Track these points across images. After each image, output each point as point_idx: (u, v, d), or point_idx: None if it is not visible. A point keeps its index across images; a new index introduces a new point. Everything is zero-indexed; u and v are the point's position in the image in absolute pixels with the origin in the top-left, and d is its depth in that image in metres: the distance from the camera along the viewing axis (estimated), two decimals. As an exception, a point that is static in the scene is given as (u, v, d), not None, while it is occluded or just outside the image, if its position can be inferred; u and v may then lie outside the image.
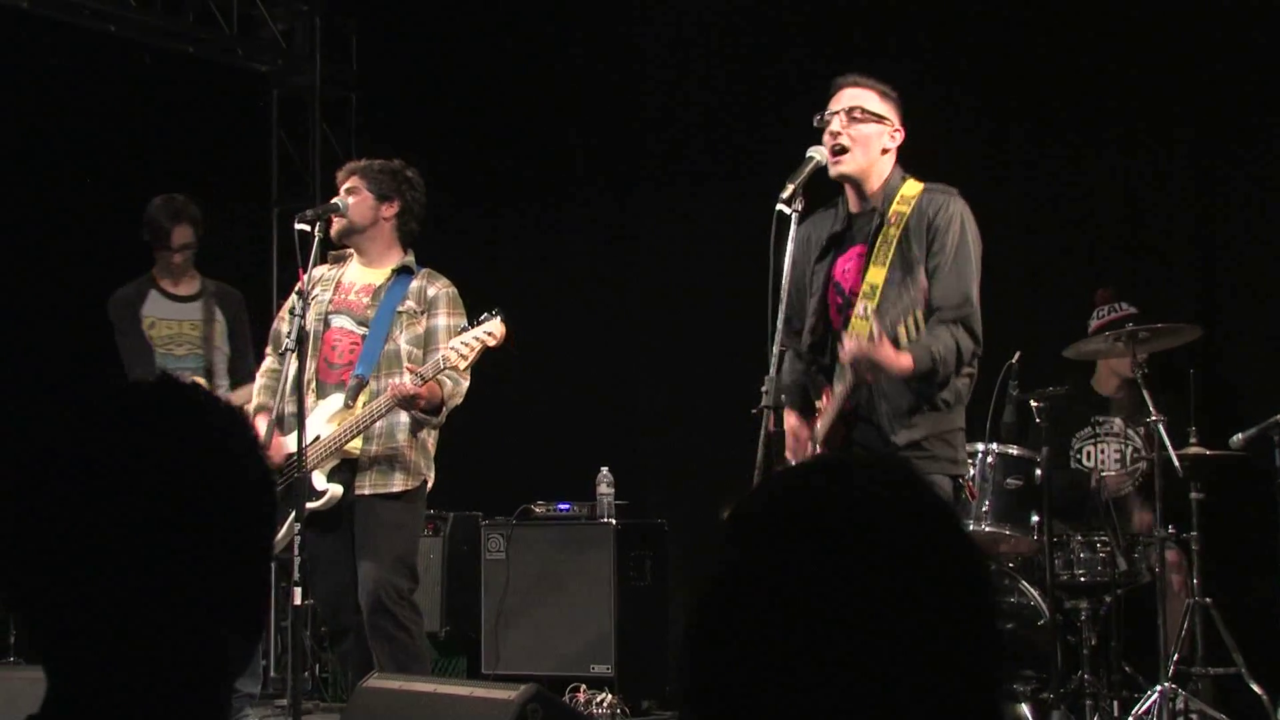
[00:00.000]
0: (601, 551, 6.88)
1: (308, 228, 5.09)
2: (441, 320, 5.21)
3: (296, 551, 5.02)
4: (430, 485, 5.29)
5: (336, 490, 5.11)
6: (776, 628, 1.30)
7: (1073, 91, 6.93)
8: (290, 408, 5.12)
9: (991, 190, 6.86)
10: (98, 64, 8.10)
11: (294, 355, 4.98)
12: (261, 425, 5.16)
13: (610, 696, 6.57)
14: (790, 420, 4.42)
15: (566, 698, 6.41)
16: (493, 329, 4.97)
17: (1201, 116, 6.72)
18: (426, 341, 5.18)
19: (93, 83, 8.08)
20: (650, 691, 6.82)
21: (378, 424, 5.09)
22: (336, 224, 5.26)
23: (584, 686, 6.62)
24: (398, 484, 5.11)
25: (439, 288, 5.27)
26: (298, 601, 5.12)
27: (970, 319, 4.22)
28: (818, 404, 4.35)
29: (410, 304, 5.22)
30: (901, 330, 3.86)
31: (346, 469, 5.13)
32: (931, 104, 6.78)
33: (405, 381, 4.97)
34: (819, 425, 4.29)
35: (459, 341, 4.97)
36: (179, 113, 8.40)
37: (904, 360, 4.04)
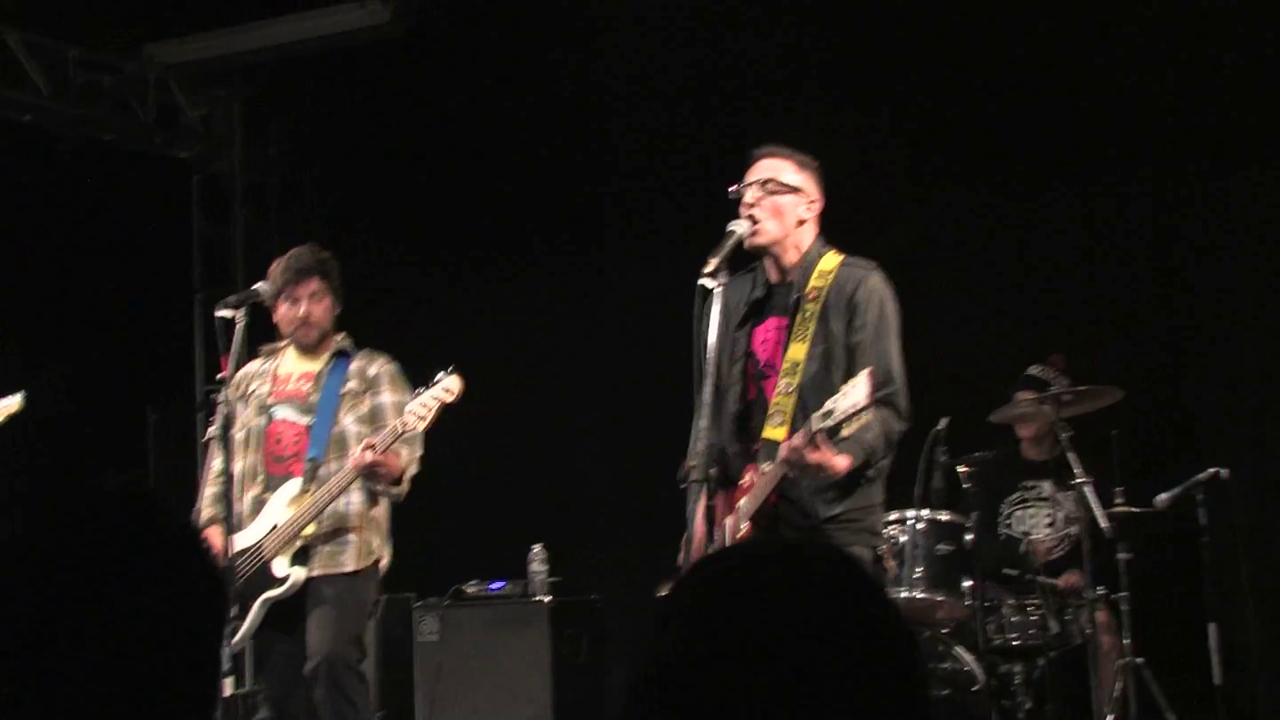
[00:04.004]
0: (537, 630, 6.83)
1: (229, 313, 5.01)
2: (386, 397, 5.24)
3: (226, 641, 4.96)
4: (385, 563, 5.30)
5: (299, 574, 5.08)
6: (710, 709, 1.31)
7: (1001, 149, 7.02)
8: (240, 506, 5.10)
9: (915, 253, 6.94)
10: (14, 155, 8.03)
11: (220, 444, 4.93)
12: (215, 537, 5.06)
13: (549, 777, 6.50)
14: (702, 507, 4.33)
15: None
16: (449, 385, 5.00)
17: (1125, 175, 6.84)
18: (373, 419, 5.21)
19: (9, 173, 8.01)
20: (590, 770, 6.76)
21: (343, 515, 5.11)
22: (306, 336, 5.26)
23: (523, 768, 6.55)
24: (349, 563, 5.12)
25: (379, 365, 5.31)
26: (227, 692, 5.04)
27: (895, 397, 4.27)
28: (742, 480, 4.35)
29: (352, 385, 5.25)
30: (846, 430, 3.94)
31: (303, 554, 5.11)
32: (873, 162, 6.89)
33: (364, 454, 4.96)
34: (744, 502, 4.29)
35: (416, 404, 4.98)
36: (98, 201, 8.34)
37: (842, 463, 4.10)
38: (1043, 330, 6.84)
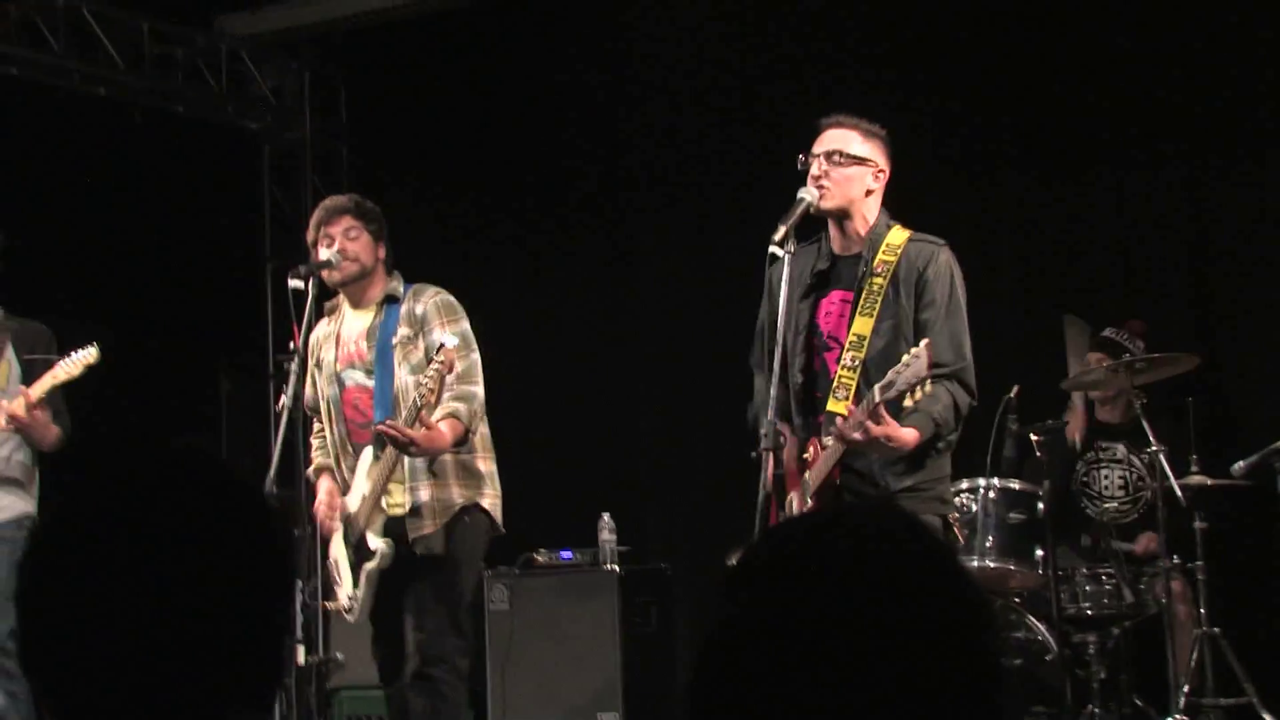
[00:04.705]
0: (606, 599, 6.84)
1: (300, 284, 4.99)
2: (436, 335, 4.93)
3: (298, 609, 4.98)
4: (489, 503, 5.06)
5: (385, 546, 4.95)
6: (780, 679, 1.31)
7: (1070, 123, 6.95)
8: (348, 474, 5.06)
9: (986, 223, 6.89)
10: (89, 127, 8.13)
11: (286, 415, 4.89)
12: (323, 486, 5.12)
13: (619, 745, 6.53)
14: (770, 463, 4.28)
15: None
16: (444, 353, 4.73)
17: (1195, 145, 6.75)
18: (430, 362, 4.86)
19: (85, 145, 8.11)
20: (659, 738, 6.78)
21: (412, 471, 4.94)
22: (342, 271, 5.05)
23: (592, 735, 6.58)
24: (427, 527, 4.94)
25: (426, 300, 5.06)
26: (301, 660, 5.09)
27: (965, 373, 4.24)
28: (805, 454, 4.32)
29: (404, 330, 5.02)
30: (909, 401, 3.90)
31: (396, 524, 4.98)
32: (929, 135, 6.83)
33: (387, 428, 4.75)
34: (808, 476, 4.27)
35: (425, 377, 4.71)
36: (171, 172, 8.42)
37: (909, 436, 4.07)
38: (1116, 299, 6.76)
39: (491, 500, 5.10)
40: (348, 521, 5.04)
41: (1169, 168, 6.84)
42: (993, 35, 7.07)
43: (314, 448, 5.28)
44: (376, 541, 4.97)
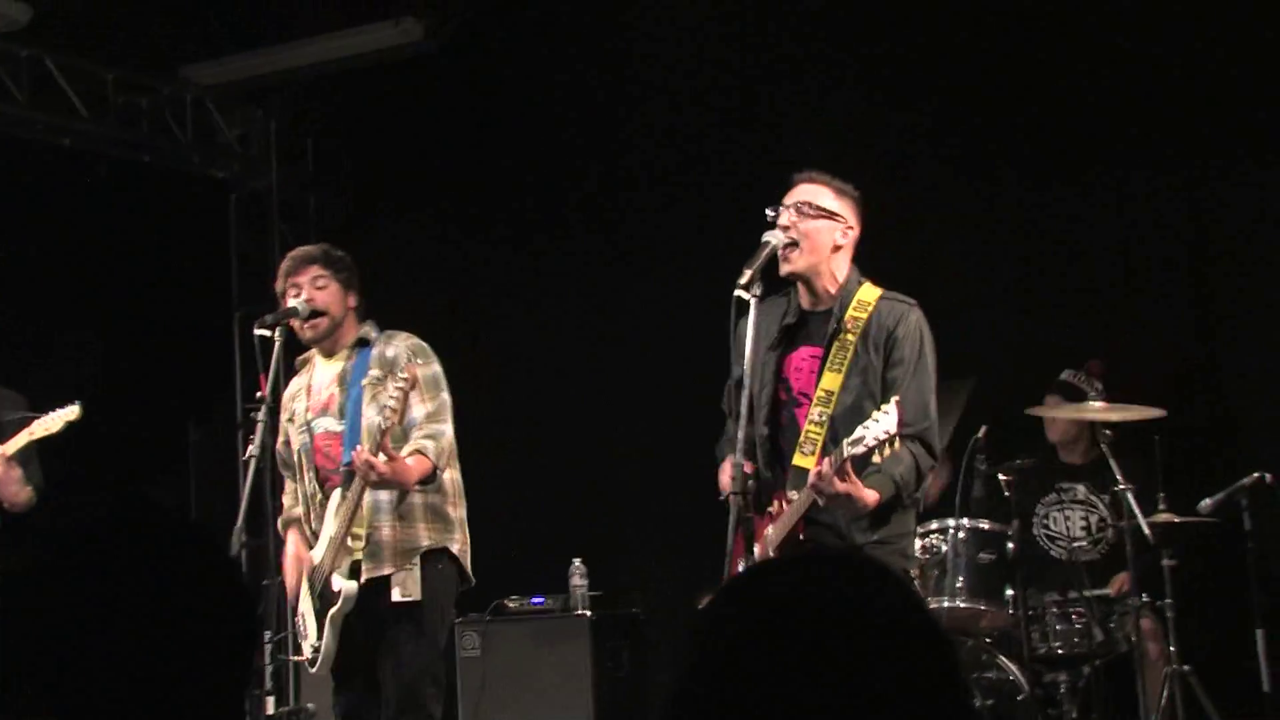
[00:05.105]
0: (578, 644, 6.82)
1: (268, 333, 4.96)
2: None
3: (266, 660, 4.95)
4: (458, 549, 5.01)
5: (351, 587, 4.89)
6: None
7: (1045, 155, 6.99)
8: (316, 525, 5.02)
9: (951, 258, 6.91)
10: (54, 178, 8.11)
11: (257, 464, 4.87)
12: (291, 539, 5.09)
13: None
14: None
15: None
16: (405, 375, 4.74)
17: (1195, 148, 6.76)
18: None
19: (50, 196, 8.09)
20: (633, 784, 6.75)
21: (375, 509, 4.88)
22: (311, 328, 5.02)
23: (566, 782, 6.55)
24: (386, 569, 4.88)
25: (398, 344, 5.04)
26: (270, 711, 5.05)
27: (928, 434, 4.27)
28: (770, 508, 4.33)
29: (374, 373, 4.98)
30: (876, 457, 3.94)
31: (356, 567, 4.93)
32: (907, 170, 6.87)
33: (357, 454, 4.73)
34: (771, 531, 4.28)
35: (387, 398, 4.72)
36: (137, 221, 8.41)
37: (870, 496, 4.10)
38: (1081, 335, 6.79)
39: (460, 547, 5.05)
40: (314, 570, 5.00)
41: (1168, 171, 6.85)
42: (992, 36, 7.06)
43: (285, 496, 5.23)
44: (340, 583, 4.91)
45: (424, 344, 5.10)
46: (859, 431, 3.96)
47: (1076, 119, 6.92)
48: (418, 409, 4.90)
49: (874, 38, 7.37)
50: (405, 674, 4.87)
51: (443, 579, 5.00)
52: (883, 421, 3.92)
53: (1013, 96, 7.03)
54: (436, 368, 5.03)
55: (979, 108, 7.11)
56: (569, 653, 6.83)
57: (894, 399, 3.99)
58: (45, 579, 1.43)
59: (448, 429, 4.96)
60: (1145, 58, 6.78)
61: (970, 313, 6.61)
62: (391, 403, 4.68)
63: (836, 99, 7.33)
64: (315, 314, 5.04)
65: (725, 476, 4.29)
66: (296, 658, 5.11)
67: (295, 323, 5.05)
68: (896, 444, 3.98)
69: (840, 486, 4.01)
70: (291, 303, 5.06)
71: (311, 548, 5.06)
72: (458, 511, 5.07)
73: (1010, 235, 7.14)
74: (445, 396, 5.02)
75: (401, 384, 4.71)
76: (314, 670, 5.02)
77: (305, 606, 5.05)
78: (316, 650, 4.95)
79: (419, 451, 4.86)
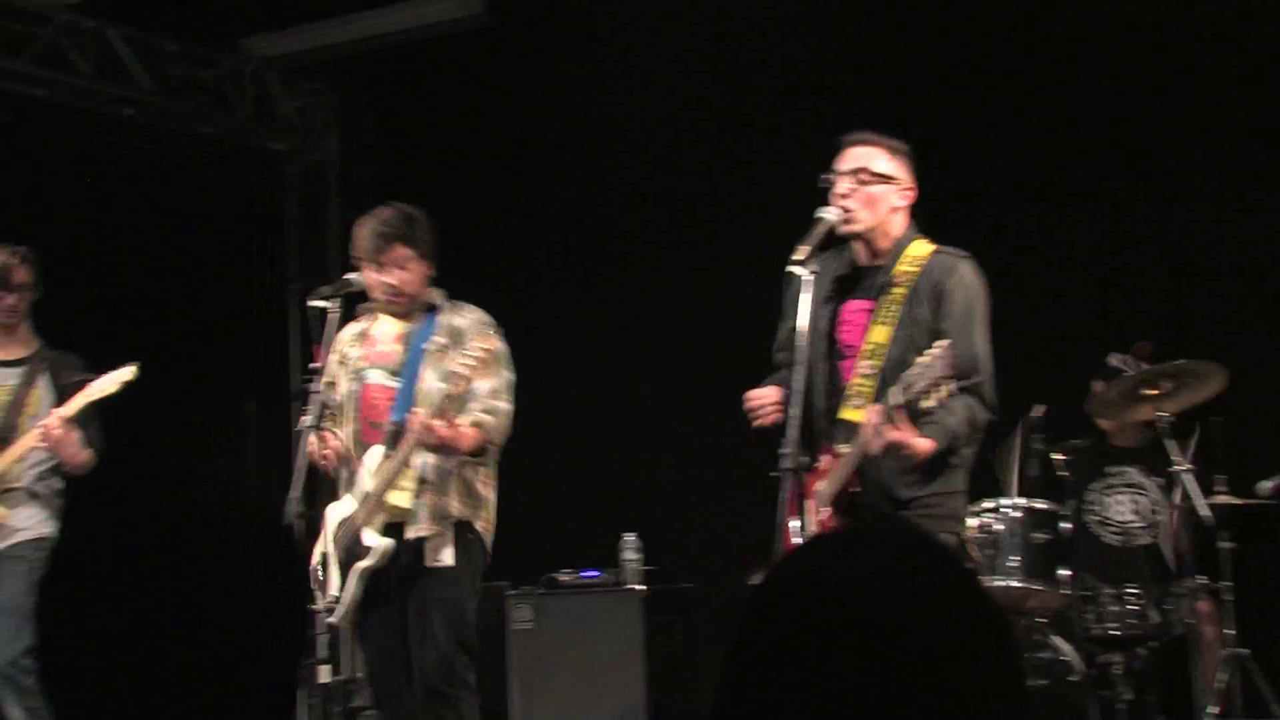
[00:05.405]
0: (630, 619, 6.84)
1: (324, 304, 4.99)
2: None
3: (320, 629, 4.96)
4: (486, 531, 5.04)
5: (386, 543, 4.90)
6: (804, 699, 1.31)
7: (1102, 139, 6.92)
8: (345, 473, 5.01)
9: (1010, 242, 6.86)
10: (116, 148, 8.18)
11: (308, 435, 4.89)
12: (323, 438, 4.95)
13: (643, 765, 6.51)
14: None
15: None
16: (485, 347, 4.76)
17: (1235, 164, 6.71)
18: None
19: (111, 167, 8.16)
20: (683, 758, 6.77)
21: (422, 474, 4.90)
22: (391, 303, 5.02)
23: (616, 756, 6.57)
24: (446, 556, 4.92)
25: (467, 316, 5.06)
26: (324, 679, 5.08)
27: (983, 386, 4.19)
28: (820, 463, 4.30)
29: (438, 339, 5.00)
30: (930, 401, 3.86)
31: (396, 525, 4.93)
32: (955, 148, 6.81)
33: (416, 416, 4.76)
34: (823, 485, 4.25)
35: (458, 365, 4.75)
36: (197, 193, 8.47)
37: (924, 445, 4.03)
38: (1140, 313, 6.73)
39: (484, 525, 5.07)
40: (343, 522, 4.99)
41: (1206, 191, 6.78)
42: (1002, 47, 7.05)
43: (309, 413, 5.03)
44: (374, 539, 4.93)
45: (491, 319, 5.11)
46: (906, 377, 3.91)
47: (1114, 135, 6.86)
48: (481, 383, 4.90)
49: (885, 56, 7.33)
50: (441, 641, 4.90)
51: (476, 552, 5.03)
52: (932, 365, 3.84)
53: (1046, 115, 6.98)
54: (503, 345, 5.04)
55: (1007, 122, 7.06)
56: (621, 627, 6.84)
57: (943, 342, 3.90)
58: (104, 545, 1.44)
59: (508, 407, 4.99)
60: (1177, 63, 6.72)
61: (1033, 295, 6.57)
62: (462, 369, 4.70)
63: (851, 113, 7.29)
64: (399, 294, 5.03)
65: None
66: (311, 606, 5.07)
67: (378, 295, 5.03)
68: (948, 390, 3.88)
69: (892, 434, 3.95)
70: (372, 279, 5.03)
71: (348, 491, 5.04)
72: (488, 492, 5.09)
73: (1037, 240, 7.07)
74: (508, 374, 5.04)
75: (480, 354, 4.73)
76: (333, 619, 5.00)
77: (329, 553, 5.03)
78: (335, 600, 4.95)
79: (477, 424, 4.90)
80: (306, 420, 4.93)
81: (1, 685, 5.44)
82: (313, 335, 5.02)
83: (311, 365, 5.04)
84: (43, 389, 5.77)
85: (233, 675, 1.44)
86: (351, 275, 5.12)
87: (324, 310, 5.00)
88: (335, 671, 5.19)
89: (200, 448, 8.20)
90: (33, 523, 5.65)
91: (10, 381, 5.75)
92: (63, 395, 5.69)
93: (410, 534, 4.91)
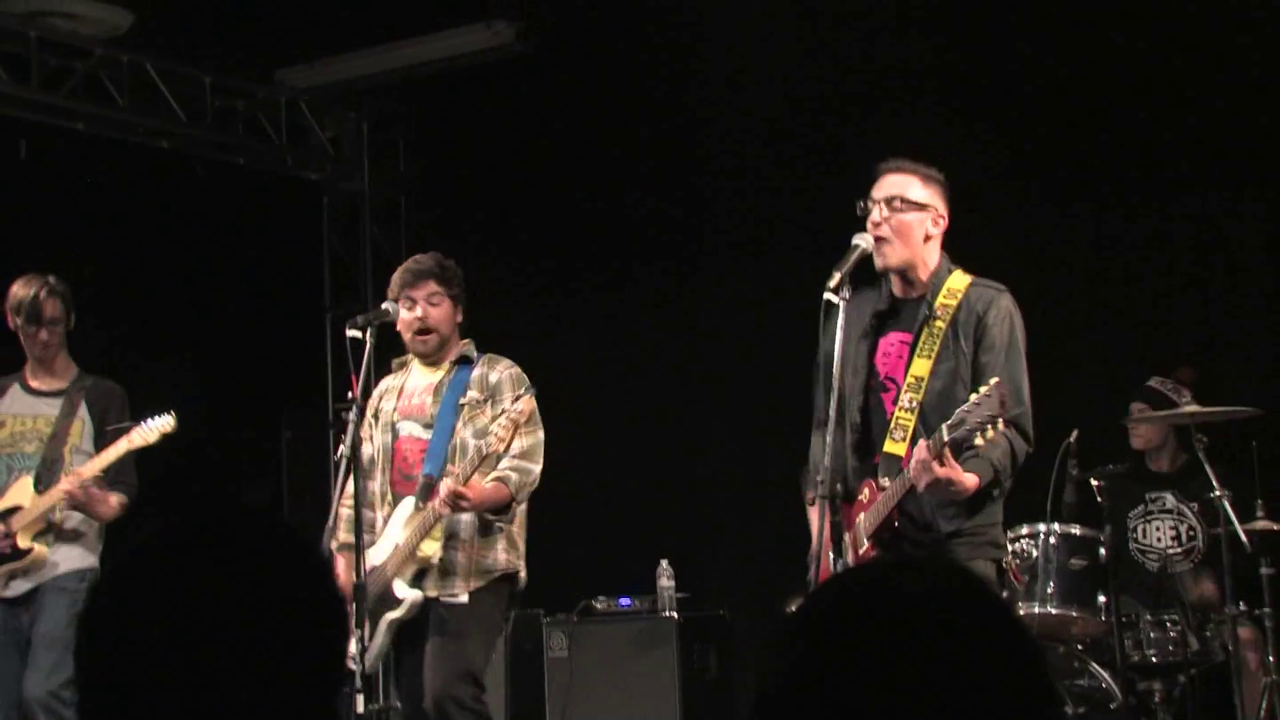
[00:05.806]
0: (665, 646, 6.83)
1: (359, 334, 5.03)
2: (508, 404, 4.98)
3: (355, 660, 4.98)
4: (519, 579, 5.14)
5: (416, 596, 4.99)
6: None
7: (1132, 160, 6.91)
8: (377, 525, 5.09)
9: (1044, 268, 6.84)
10: (151, 179, 8.25)
11: (348, 464, 4.95)
12: (342, 564, 4.99)
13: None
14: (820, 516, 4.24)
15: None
16: (521, 409, 4.84)
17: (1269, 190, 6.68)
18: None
19: (148, 198, 8.23)
20: (719, 786, 6.74)
21: (446, 525, 4.98)
22: (421, 342, 5.14)
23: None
24: (459, 589, 5.00)
25: (500, 371, 5.13)
26: (360, 709, 5.09)
27: (1022, 419, 4.18)
28: (861, 495, 4.30)
29: (473, 394, 5.08)
30: (979, 440, 3.86)
31: (420, 575, 5.02)
32: (992, 176, 6.81)
33: (446, 482, 4.86)
34: (864, 518, 4.25)
35: (496, 425, 4.83)
36: (232, 223, 8.53)
37: (970, 481, 4.02)
38: (1178, 339, 6.70)
39: (523, 573, 5.18)
40: (372, 571, 5.02)
41: (1244, 202, 6.76)
42: (1067, 58, 7.04)
43: (341, 519, 5.12)
44: (405, 590, 5.00)
45: (524, 375, 5.16)
46: (959, 414, 3.89)
47: (1146, 146, 6.85)
48: (514, 443, 4.95)
49: (954, 65, 7.33)
50: (446, 671, 4.93)
51: (499, 598, 5.11)
52: (985, 405, 3.83)
53: (1084, 127, 6.96)
54: (534, 404, 5.04)
55: (1045, 134, 7.05)
56: (656, 654, 6.84)
57: (994, 380, 3.90)
58: (135, 583, 1.45)
59: (536, 469, 5.05)
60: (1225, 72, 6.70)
61: (1068, 320, 6.55)
62: (500, 431, 4.78)
63: (904, 129, 7.27)
64: (426, 330, 5.14)
65: (815, 522, 4.23)
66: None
67: (406, 334, 5.16)
68: (995, 429, 3.88)
69: (940, 471, 3.94)
70: (404, 315, 5.13)
71: (373, 544, 5.09)
72: (523, 539, 5.19)
73: (1110, 246, 7.04)
74: (541, 435, 5.10)
75: (515, 417, 4.80)
76: (359, 668, 5.04)
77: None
78: (364, 648, 4.95)
79: (501, 480, 4.96)
80: (343, 449, 4.98)
81: (41, 716, 5.46)
82: (349, 364, 5.05)
83: (349, 394, 5.07)
84: (83, 418, 5.79)
85: (267, 703, 1.44)
86: (387, 304, 5.19)
87: (360, 340, 5.04)
88: (370, 700, 5.17)
89: (239, 473, 8.25)
90: (74, 555, 5.67)
91: (50, 412, 5.76)
92: (102, 439, 5.70)
93: (437, 593, 4.98)
